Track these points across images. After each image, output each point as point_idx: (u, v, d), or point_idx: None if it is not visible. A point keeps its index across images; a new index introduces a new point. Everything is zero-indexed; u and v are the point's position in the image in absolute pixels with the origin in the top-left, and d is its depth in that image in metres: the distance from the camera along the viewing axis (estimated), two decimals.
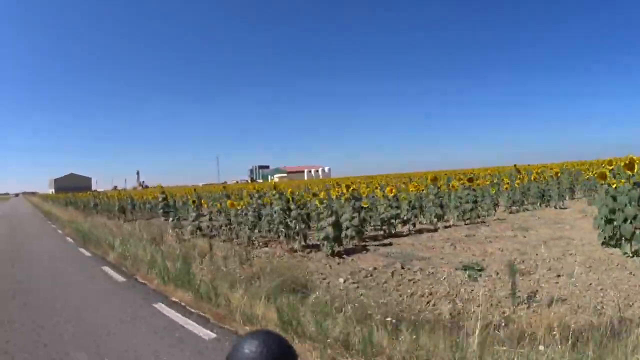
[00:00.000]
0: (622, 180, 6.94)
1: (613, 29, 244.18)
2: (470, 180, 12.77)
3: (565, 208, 14.31)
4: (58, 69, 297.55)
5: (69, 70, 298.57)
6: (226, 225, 11.51)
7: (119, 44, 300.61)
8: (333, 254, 8.14)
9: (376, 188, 16.11)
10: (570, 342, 3.23)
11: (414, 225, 11.04)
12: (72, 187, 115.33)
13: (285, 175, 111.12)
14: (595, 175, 8.93)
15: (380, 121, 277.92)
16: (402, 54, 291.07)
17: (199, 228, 11.95)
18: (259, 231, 10.72)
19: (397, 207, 10.50)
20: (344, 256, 8.14)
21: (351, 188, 9.97)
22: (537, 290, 5.32)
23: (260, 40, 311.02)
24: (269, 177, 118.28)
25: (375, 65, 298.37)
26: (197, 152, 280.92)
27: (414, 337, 3.63)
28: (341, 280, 6.32)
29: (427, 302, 5.17)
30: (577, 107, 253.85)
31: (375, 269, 6.95)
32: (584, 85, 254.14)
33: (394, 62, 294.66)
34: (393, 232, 10.58)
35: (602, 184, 7.69)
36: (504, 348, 3.31)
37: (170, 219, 15.28)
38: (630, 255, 6.57)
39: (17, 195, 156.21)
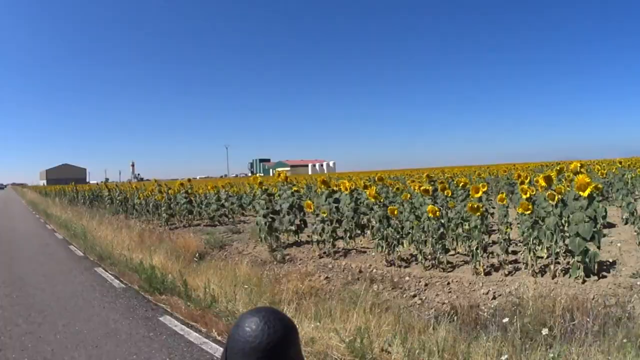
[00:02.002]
0: None
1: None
2: None
3: None
4: (49, 55, 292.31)
5: (61, 56, 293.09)
6: None
7: (116, 32, 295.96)
8: None
9: None
10: None
11: None
12: (65, 178, 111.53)
13: (289, 169, 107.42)
14: None
15: (387, 116, 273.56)
16: (409, 53, 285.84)
17: None
18: None
19: None
20: None
21: None
22: None
23: (264, 33, 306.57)
24: (271, 171, 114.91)
25: (381, 61, 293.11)
26: (193, 144, 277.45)
27: None
28: None
29: None
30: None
31: None
32: None
33: (399, 58, 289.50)
34: None
35: None
36: None
37: None
38: None
39: (3, 187, 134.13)
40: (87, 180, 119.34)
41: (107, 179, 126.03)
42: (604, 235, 7.13)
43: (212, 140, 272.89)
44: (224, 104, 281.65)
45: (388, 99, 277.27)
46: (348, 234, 8.75)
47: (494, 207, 10.53)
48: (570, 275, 5.68)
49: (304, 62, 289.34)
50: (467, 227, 7.61)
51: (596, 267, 5.69)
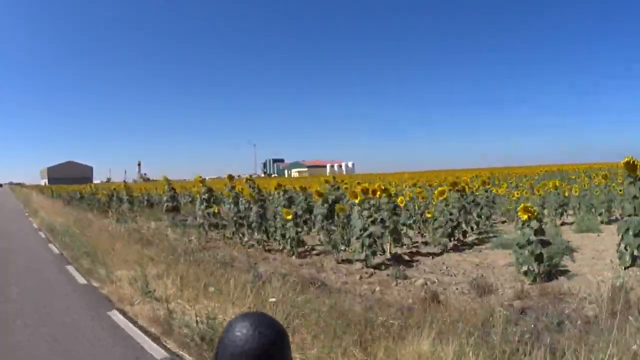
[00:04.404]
0: None
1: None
2: None
3: None
4: (49, 55, 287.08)
5: (61, 56, 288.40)
6: None
7: (116, 32, 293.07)
8: None
9: None
10: None
11: None
12: (68, 177, 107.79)
13: (306, 170, 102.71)
14: None
15: (388, 116, 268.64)
16: (409, 53, 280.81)
17: None
18: None
19: None
20: None
21: None
22: None
23: (276, 30, 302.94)
24: (286, 171, 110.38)
25: (381, 61, 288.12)
26: (199, 144, 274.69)
27: None
28: None
29: None
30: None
31: None
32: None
33: (399, 58, 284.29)
34: None
35: None
36: None
37: None
38: None
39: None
40: (92, 180, 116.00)
41: (109, 179, 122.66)
42: None
43: (213, 140, 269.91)
44: (223, 104, 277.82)
45: (388, 99, 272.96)
46: None
47: None
48: None
49: (304, 62, 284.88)
50: None
51: None
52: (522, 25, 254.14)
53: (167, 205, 19.07)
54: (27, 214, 24.59)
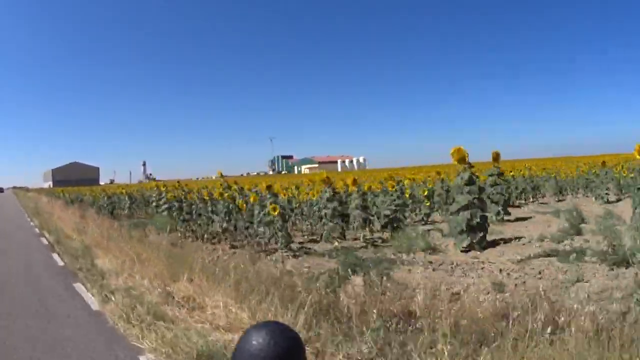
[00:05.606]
0: None
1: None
2: None
3: None
4: (49, 55, 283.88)
5: (61, 56, 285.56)
6: None
7: (116, 32, 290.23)
8: None
9: None
10: None
11: None
12: (75, 179, 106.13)
13: (317, 166, 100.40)
14: None
15: (390, 116, 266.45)
16: (409, 53, 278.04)
17: None
18: None
19: None
20: None
21: None
22: None
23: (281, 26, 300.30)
24: (295, 168, 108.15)
25: (382, 61, 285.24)
26: (203, 144, 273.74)
27: None
28: None
29: None
30: None
31: None
32: None
33: (399, 58, 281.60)
34: None
35: None
36: None
37: None
38: None
39: (2, 191, 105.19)
40: (99, 182, 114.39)
41: (112, 180, 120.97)
42: None
43: (214, 140, 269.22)
44: (224, 103, 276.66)
45: (388, 99, 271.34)
46: None
47: None
48: None
49: (304, 62, 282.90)
50: None
51: None
52: (522, 25, 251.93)
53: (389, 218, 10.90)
54: (61, 262, 9.82)
